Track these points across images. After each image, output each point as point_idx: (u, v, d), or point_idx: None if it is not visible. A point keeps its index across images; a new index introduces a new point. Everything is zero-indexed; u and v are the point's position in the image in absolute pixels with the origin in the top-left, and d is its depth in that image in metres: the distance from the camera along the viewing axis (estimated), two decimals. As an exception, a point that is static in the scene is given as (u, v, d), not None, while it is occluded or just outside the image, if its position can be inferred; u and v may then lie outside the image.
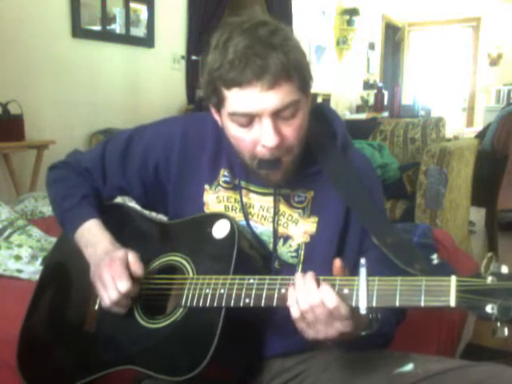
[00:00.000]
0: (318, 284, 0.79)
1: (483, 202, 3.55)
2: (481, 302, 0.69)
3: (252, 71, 0.82)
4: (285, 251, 1.00)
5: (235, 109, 0.87)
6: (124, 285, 0.91)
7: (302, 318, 0.79)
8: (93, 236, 1.01)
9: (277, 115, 0.86)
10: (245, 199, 1.02)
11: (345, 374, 0.96)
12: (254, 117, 0.86)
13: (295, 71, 0.85)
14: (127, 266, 0.94)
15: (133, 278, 0.93)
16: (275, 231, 1.00)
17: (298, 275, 0.81)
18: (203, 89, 0.92)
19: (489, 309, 0.68)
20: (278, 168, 0.92)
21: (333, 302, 0.76)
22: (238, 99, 0.85)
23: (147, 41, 3.73)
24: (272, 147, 0.87)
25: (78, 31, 3.22)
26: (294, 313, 0.79)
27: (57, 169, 1.15)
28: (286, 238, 1.00)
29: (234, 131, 0.90)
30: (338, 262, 0.82)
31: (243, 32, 0.84)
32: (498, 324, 0.68)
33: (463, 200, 3.02)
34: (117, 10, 3.54)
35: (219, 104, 0.90)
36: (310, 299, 0.78)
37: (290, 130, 0.89)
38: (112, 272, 0.92)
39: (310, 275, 0.80)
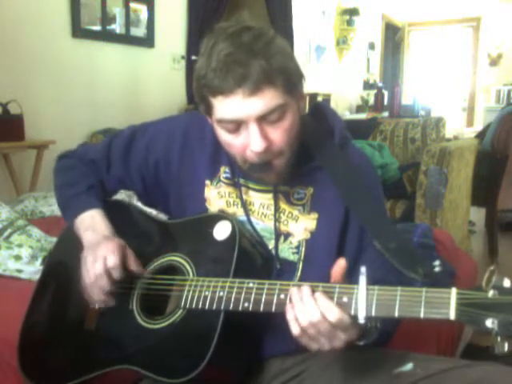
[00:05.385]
0: (315, 296, 0.77)
1: (483, 202, 3.54)
2: (481, 315, 0.67)
3: (233, 79, 0.83)
4: (285, 248, 1.00)
5: (221, 116, 0.88)
6: (112, 259, 0.92)
7: (303, 334, 0.79)
8: (95, 223, 1.03)
9: (263, 119, 0.87)
10: (245, 196, 1.02)
11: (344, 373, 0.96)
12: (240, 123, 0.87)
13: (279, 75, 0.85)
14: (123, 251, 0.96)
15: (127, 269, 0.95)
16: (276, 229, 1.00)
17: (294, 290, 0.80)
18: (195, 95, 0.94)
19: (489, 323, 0.66)
20: (268, 171, 0.93)
21: (334, 316, 0.76)
22: (223, 106, 0.86)
23: (147, 41, 3.73)
24: (259, 152, 0.87)
25: (78, 31, 3.23)
26: (295, 330, 0.79)
27: (66, 158, 1.18)
28: (287, 235, 1.00)
29: (223, 137, 0.92)
30: (342, 263, 0.80)
31: (227, 38, 0.85)
32: (499, 339, 0.66)
33: (463, 200, 3.02)
34: (117, 10, 3.54)
35: (208, 111, 0.92)
36: (309, 316, 0.77)
37: (278, 134, 0.89)
38: (107, 249, 0.94)
39: (306, 290, 0.79)
